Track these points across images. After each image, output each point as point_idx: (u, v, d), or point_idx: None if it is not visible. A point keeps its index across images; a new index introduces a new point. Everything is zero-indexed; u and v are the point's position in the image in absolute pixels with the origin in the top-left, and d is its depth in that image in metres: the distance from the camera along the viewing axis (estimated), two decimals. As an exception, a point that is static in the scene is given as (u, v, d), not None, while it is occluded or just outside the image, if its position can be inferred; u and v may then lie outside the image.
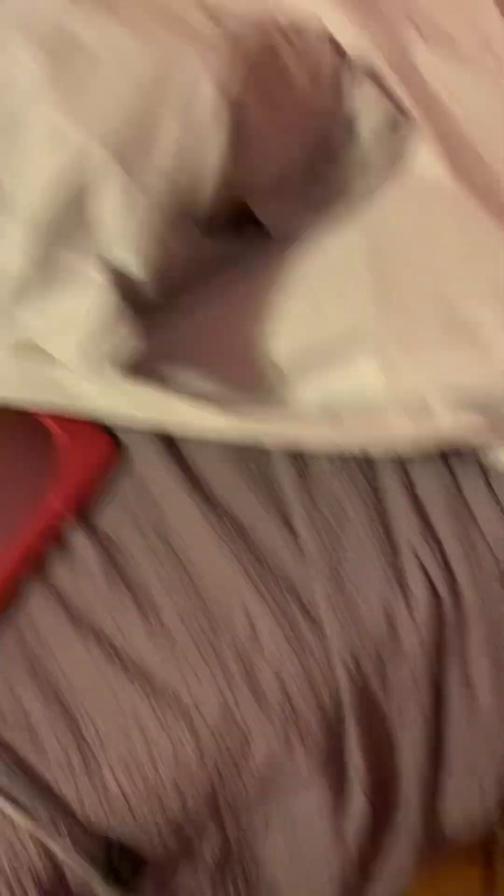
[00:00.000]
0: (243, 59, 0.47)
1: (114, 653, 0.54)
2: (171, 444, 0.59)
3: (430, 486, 0.60)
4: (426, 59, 0.61)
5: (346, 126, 0.56)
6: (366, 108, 0.55)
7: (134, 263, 0.45)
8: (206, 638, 0.54)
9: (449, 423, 0.54)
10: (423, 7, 0.64)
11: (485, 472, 0.60)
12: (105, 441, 0.58)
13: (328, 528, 0.58)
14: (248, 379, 0.56)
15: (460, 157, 0.59)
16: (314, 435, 0.53)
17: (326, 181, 0.57)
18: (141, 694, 0.53)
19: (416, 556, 0.58)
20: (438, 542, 0.59)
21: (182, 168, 0.45)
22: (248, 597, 0.55)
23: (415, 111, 0.59)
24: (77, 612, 0.54)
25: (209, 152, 0.46)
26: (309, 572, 0.57)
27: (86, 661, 0.53)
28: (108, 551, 0.56)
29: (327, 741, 0.56)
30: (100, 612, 0.54)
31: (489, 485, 0.61)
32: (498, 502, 0.60)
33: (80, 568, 0.55)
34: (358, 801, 0.58)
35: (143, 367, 0.54)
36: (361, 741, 0.57)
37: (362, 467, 0.60)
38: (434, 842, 0.66)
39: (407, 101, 0.59)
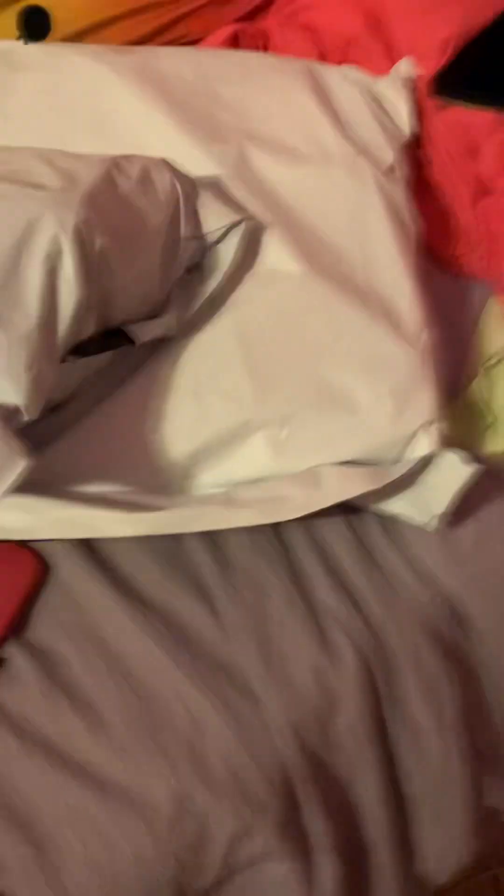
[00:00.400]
0: (84, 199, 0.53)
1: (62, 761, 0.55)
2: (90, 546, 0.62)
3: (337, 545, 0.64)
4: (268, 168, 0.69)
5: (198, 237, 0.62)
6: (212, 220, 0.62)
7: (12, 395, 0.50)
8: (148, 732, 0.57)
9: (339, 488, 0.58)
10: (261, 123, 0.72)
11: (381, 521, 0.65)
12: (28, 558, 0.61)
13: (249, 604, 0.61)
14: (150, 479, 0.60)
15: (310, 248, 0.65)
16: (212, 518, 0.57)
17: (191, 288, 0.63)
18: (93, 797, 0.54)
19: (335, 616, 0.61)
20: (353, 598, 0.62)
21: (41, 302, 0.50)
22: (183, 684, 0.58)
23: (262, 214, 0.66)
24: (21, 727, 0.56)
25: (64, 285, 0.51)
26: (238, 651, 0.60)
27: (35, 773, 0.55)
28: (44, 663, 0.58)
29: (284, 811, 0.58)
30: (43, 724, 0.56)
31: (386, 532, 0.65)
32: (397, 547, 0.64)
33: (19, 684, 0.57)
34: (326, 865, 0.59)
35: (48, 482, 0.58)
36: (318, 804, 0.59)
37: (272, 537, 0.64)
38: (415, 890, 0.67)
39: (254, 207, 0.66)
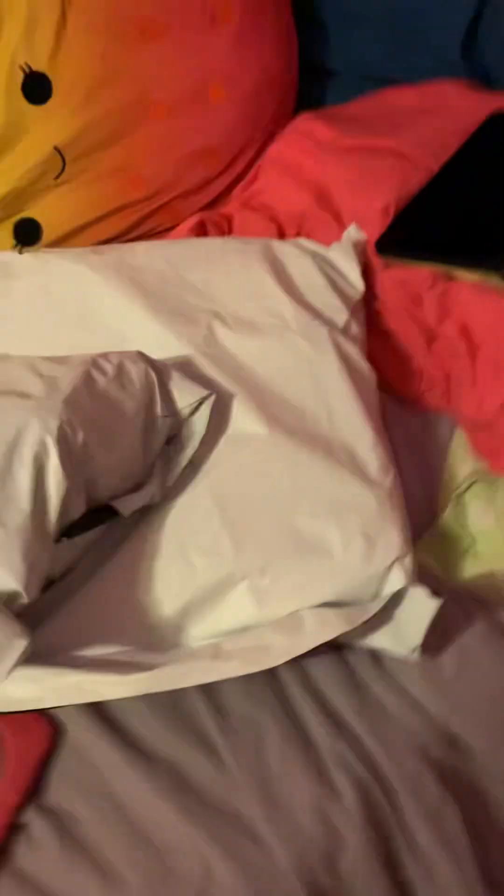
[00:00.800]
0: (65, 402, 0.61)
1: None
2: (96, 707, 0.65)
3: (329, 681, 0.67)
4: (233, 342, 0.78)
5: (173, 414, 0.69)
6: (184, 397, 0.70)
7: (12, 583, 0.57)
8: (161, 885, 0.59)
9: (319, 631, 0.63)
10: (224, 302, 0.81)
11: (370, 652, 0.68)
12: (40, 725, 0.65)
13: (249, 748, 0.64)
14: (144, 638, 0.65)
15: (274, 410, 0.73)
16: (201, 672, 0.61)
17: (170, 458, 0.70)
18: None
19: (332, 753, 0.64)
20: (348, 733, 0.65)
21: (32, 497, 0.58)
22: (192, 835, 0.60)
23: (229, 384, 0.74)
24: (41, 890, 0.59)
25: (52, 479, 0.59)
26: (242, 797, 0.62)
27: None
28: (60, 824, 0.61)
29: None
30: (60, 885, 0.59)
31: (376, 664, 0.68)
32: (385, 678, 0.67)
33: (37, 847, 0.60)
34: None
35: (52, 651, 0.63)
36: None
37: (266, 679, 0.67)
38: None
39: (221, 378, 0.74)
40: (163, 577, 0.66)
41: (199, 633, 0.66)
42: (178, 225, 0.95)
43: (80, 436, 0.61)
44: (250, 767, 0.63)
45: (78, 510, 0.62)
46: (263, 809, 0.62)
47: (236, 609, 0.66)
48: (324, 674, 0.67)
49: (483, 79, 1.05)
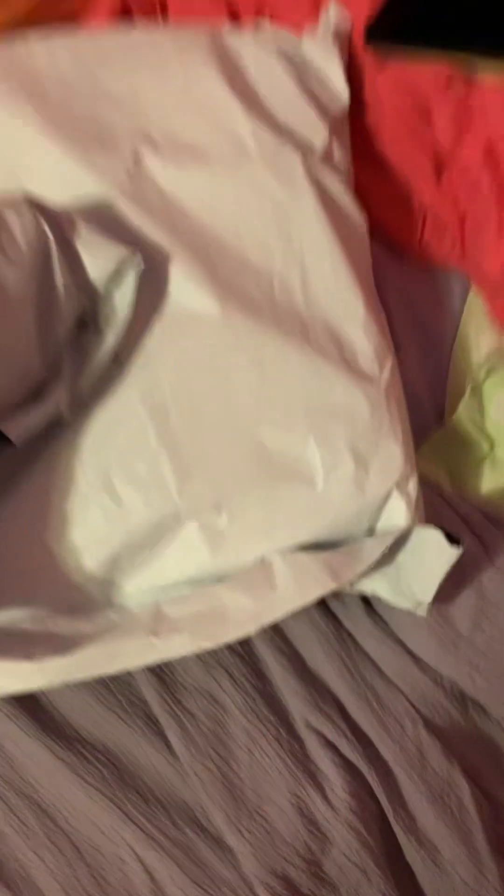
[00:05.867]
0: None
1: None
2: None
3: (310, 637, 0.53)
4: (169, 176, 0.56)
5: (83, 283, 0.49)
6: (99, 260, 0.49)
7: None
8: (92, 901, 0.47)
9: (294, 591, 0.46)
10: (157, 120, 0.58)
11: (363, 599, 0.53)
12: None
13: (208, 731, 0.50)
14: (62, 597, 0.49)
15: (229, 276, 0.52)
16: (135, 652, 0.45)
17: (85, 348, 0.50)
18: None
19: (315, 730, 0.50)
20: (336, 703, 0.51)
21: None
22: (135, 840, 0.48)
23: (164, 238, 0.53)
24: None
25: None
26: (200, 792, 0.49)
27: None
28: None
29: None
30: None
31: (370, 612, 0.53)
32: (382, 630, 0.52)
33: None
34: None
35: None
36: None
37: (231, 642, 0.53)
38: None
39: (153, 231, 0.53)
40: (83, 517, 0.49)
41: (135, 588, 0.50)
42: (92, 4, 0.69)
43: None
44: (211, 754, 0.50)
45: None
46: (228, 807, 0.49)
47: (183, 557, 0.49)
48: (300, 625, 0.52)
49: None
